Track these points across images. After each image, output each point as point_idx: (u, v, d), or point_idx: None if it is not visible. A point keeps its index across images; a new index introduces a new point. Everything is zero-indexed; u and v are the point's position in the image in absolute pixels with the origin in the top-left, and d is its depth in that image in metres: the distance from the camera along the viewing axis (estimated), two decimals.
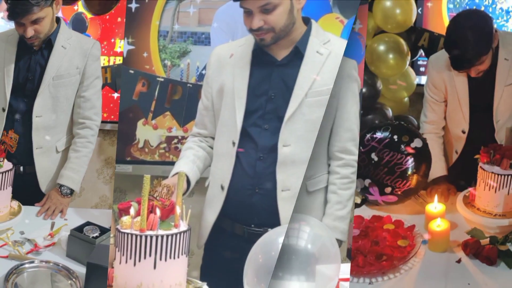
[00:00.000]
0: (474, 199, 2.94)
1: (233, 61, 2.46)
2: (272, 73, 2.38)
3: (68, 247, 2.56)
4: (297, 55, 2.36)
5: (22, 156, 2.98)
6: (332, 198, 2.55)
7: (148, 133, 3.24)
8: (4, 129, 2.97)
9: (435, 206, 2.83)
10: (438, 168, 3.16)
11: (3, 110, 2.99)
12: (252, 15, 2.30)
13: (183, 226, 2.05)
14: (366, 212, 2.95)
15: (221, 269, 2.43)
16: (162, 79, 3.19)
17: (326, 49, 2.37)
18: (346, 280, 2.29)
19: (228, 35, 3.19)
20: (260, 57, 2.40)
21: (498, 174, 2.83)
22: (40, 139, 3.00)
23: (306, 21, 2.41)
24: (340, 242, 2.45)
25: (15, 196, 2.82)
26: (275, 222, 2.36)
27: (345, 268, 2.34)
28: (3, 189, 2.69)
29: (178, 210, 2.05)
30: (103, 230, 2.57)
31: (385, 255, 2.56)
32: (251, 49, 2.42)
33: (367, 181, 2.98)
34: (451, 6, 4.11)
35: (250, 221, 2.39)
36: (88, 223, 2.61)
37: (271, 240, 2.17)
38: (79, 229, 2.57)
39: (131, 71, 3.20)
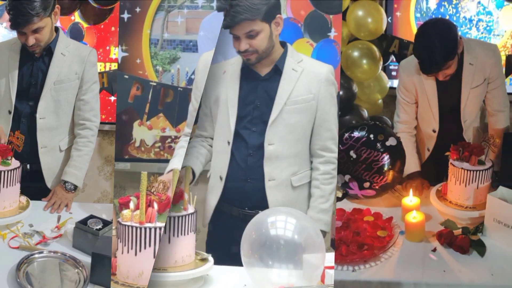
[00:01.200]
0: (446, 192, 2.98)
1: (226, 77, 2.70)
2: (258, 86, 2.65)
3: (73, 239, 2.61)
4: (277, 72, 2.63)
5: (29, 155, 3.03)
6: (316, 192, 2.69)
7: (144, 133, 3.48)
8: (11, 130, 3.03)
9: (410, 199, 2.87)
10: (412, 165, 3.19)
11: (9, 112, 3.04)
12: (240, 40, 2.56)
13: (191, 209, 2.29)
14: (347, 205, 2.99)
15: (222, 243, 2.64)
16: (155, 84, 3.39)
17: (300, 66, 2.64)
18: (331, 268, 2.33)
19: (214, 42, 3.32)
20: (248, 74, 2.65)
21: (467, 170, 2.88)
22: (44, 139, 3.06)
23: (283, 45, 2.67)
24: (324, 233, 2.57)
25: (23, 192, 2.85)
26: (264, 205, 2.59)
27: (330, 257, 2.38)
28: (12, 185, 2.73)
29: (186, 196, 2.25)
30: (106, 223, 2.61)
31: (366, 244, 2.59)
32: (240, 67, 2.67)
33: (347, 177, 3.02)
34: (418, 15, 4.16)
35: (244, 204, 2.65)
36: (91, 216, 2.65)
37: (262, 220, 2.30)
38: (84, 222, 2.61)
39: (126, 76, 3.41)
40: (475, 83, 3.18)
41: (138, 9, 3.60)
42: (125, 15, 3.53)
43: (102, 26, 3.86)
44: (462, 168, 2.90)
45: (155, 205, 2.17)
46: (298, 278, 2.23)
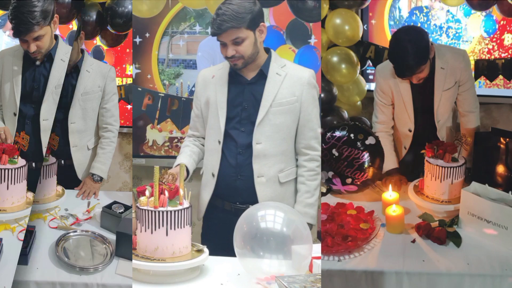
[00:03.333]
0: (423, 188, 3.01)
1: (215, 81, 2.76)
2: (245, 89, 2.70)
3: (101, 220, 2.90)
4: (262, 76, 2.68)
5: (34, 154, 3.09)
6: (302, 188, 2.74)
7: (155, 135, 4.06)
8: (16, 130, 3.12)
9: (390, 194, 2.89)
10: (390, 162, 3.21)
11: (14, 114, 3.12)
12: (227, 46, 2.61)
13: (186, 204, 2.36)
14: (331, 200, 3.02)
15: (216, 236, 2.71)
16: (163, 95, 3.97)
17: (283, 71, 2.69)
18: (318, 258, 2.36)
19: (209, 61, 3.90)
20: (235, 77, 2.70)
21: (442, 167, 2.91)
22: (47, 139, 3.12)
23: (267, 51, 2.73)
24: (310, 225, 2.62)
25: (59, 183, 3.14)
26: (254, 200, 2.65)
27: (317, 248, 2.42)
28: (19, 182, 2.80)
29: (181, 192, 2.35)
30: (127, 207, 2.88)
31: (350, 236, 2.62)
32: (228, 72, 2.73)
33: (330, 173, 3.06)
34: (392, 23, 4.20)
35: (236, 199, 2.70)
36: (115, 202, 2.93)
37: (252, 214, 2.34)
38: (109, 206, 2.89)
39: (139, 89, 4.00)
40: (446, 85, 3.21)
41: (147, 34, 4.14)
42: (137, 39, 4.12)
43: (119, 48, 4.24)
44: (437, 165, 2.93)
45: (166, 193, 2.36)
46: (288, 267, 2.26)
